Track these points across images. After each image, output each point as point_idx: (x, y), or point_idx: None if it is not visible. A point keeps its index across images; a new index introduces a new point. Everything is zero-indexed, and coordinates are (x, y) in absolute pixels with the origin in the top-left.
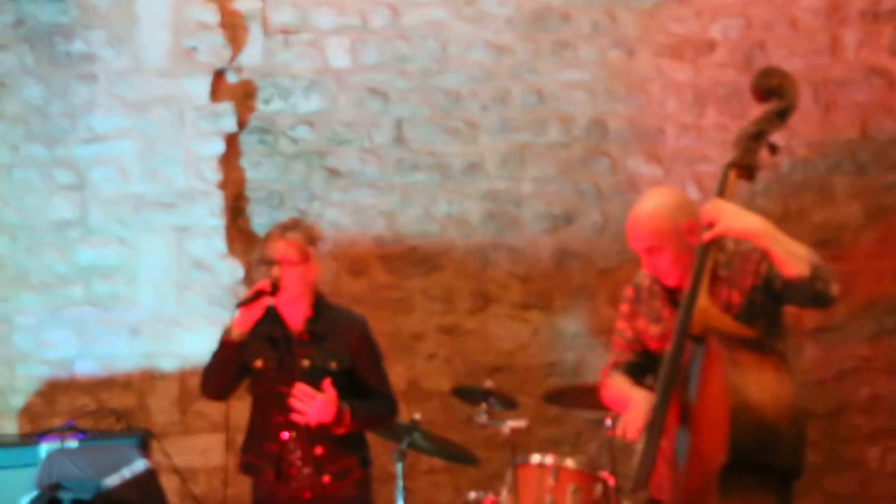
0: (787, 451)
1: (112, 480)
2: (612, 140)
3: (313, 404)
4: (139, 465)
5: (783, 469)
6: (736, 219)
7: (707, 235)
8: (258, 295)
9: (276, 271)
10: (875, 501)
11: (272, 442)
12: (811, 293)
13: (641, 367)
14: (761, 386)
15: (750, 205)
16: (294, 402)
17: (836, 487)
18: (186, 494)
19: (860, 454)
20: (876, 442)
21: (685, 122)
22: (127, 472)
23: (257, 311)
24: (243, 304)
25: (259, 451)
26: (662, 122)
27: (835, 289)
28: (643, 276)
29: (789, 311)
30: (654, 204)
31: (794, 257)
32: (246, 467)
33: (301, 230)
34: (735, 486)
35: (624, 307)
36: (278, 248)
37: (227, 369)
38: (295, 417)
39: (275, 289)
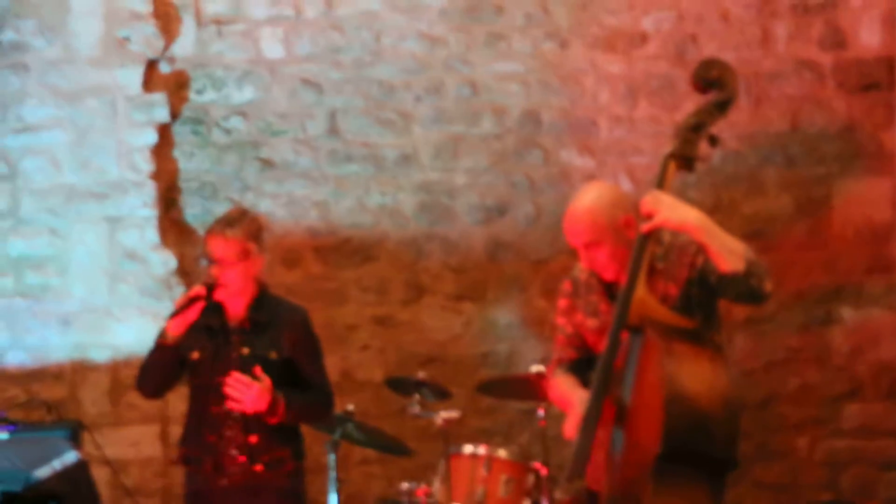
0: (721, 443)
1: (42, 472)
2: (546, 132)
3: (248, 392)
4: (70, 456)
5: (717, 460)
6: (674, 211)
7: (645, 227)
8: (193, 301)
9: (214, 270)
10: (804, 490)
11: (211, 433)
12: (745, 289)
13: (584, 362)
14: (696, 377)
15: (682, 196)
16: (229, 390)
17: (765, 476)
18: (118, 486)
19: (789, 444)
20: (805, 432)
21: (618, 115)
22: (58, 464)
23: (192, 314)
24: (178, 312)
25: (198, 442)
26: (595, 114)
27: (768, 286)
28: (580, 270)
29: (721, 302)
30: (591, 199)
31: (729, 252)
32: (185, 459)
33: (243, 225)
34: (669, 476)
35: (562, 302)
36: (217, 247)
37: (163, 370)
38: (230, 405)
39: (211, 289)
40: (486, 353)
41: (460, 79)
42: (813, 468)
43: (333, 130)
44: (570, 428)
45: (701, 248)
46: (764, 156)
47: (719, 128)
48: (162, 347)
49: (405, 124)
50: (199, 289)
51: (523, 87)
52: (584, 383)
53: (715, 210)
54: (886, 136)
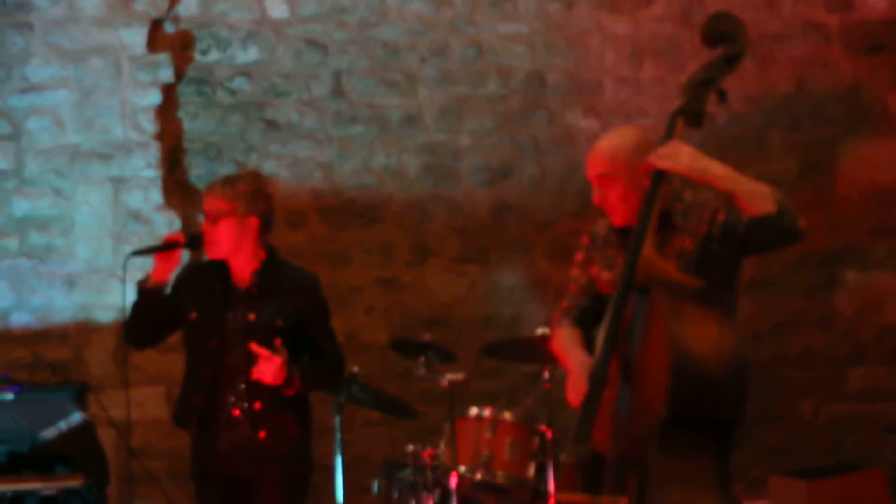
0: (728, 406)
1: (48, 433)
2: (551, 93)
3: (270, 366)
4: (76, 417)
5: (724, 423)
6: (697, 161)
7: (666, 164)
8: (168, 246)
9: (202, 224)
10: (808, 453)
11: (210, 397)
12: (780, 229)
13: (594, 312)
14: (703, 339)
15: None
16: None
17: (769, 440)
18: (123, 447)
19: (793, 407)
20: (809, 395)
21: (623, 76)
22: (63, 425)
23: (173, 261)
24: (144, 252)
25: (195, 406)
26: (601, 75)
27: (802, 222)
28: (600, 226)
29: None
30: (617, 136)
31: (759, 196)
32: (180, 420)
33: (238, 184)
34: (675, 438)
35: (579, 255)
36: (207, 202)
37: (145, 318)
38: (254, 375)
39: (193, 240)
40: (490, 315)
41: (465, 40)
42: (817, 431)
43: (338, 91)
44: (573, 394)
45: (722, 206)
46: (769, 118)
47: (726, 86)
48: (142, 292)
49: (410, 85)
50: (177, 234)
51: (528, 48)
52: (589, 338)
53: None
54: (892, 98)
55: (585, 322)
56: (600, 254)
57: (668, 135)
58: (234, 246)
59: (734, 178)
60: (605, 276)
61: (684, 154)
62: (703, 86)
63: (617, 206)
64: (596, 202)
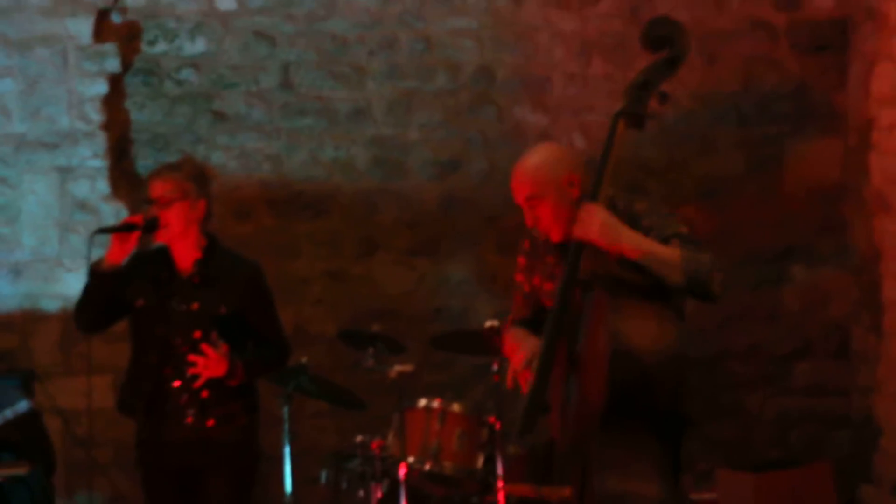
0: (665, 397)
1: None
2: (499, 88)
3: (209, 360)
4: (22, 405)
5: (662, 414)
6: (607, 232)
7: (578, 234)
8: (128, 227)
9: (153, 210)
10: (754, 447)
11: (152, 382)
12: (692, 296)
13: (540, 324)
14: (642, 332)
15: (635, 155)
16: (194, 359)
17: (716, 433)
18: (69, 436)
19: (740, 401)
20: (756, 389)
21: (572, 72)
22: (9, 413)
23: (129, 243)
24: (106, 231)
25: (138, 391)
26: (549, 70)
27: (715, 288)
28: (538, 230)
29: None
30: (536, 156)
31: (669, 268)
32: (124, 407)
33: (183, 167)
34: (614, 429)
35: (521, 259)
36: (156, 187)
37: (96, 300)
38: (192, 370)
39: (150, 226)
40: (439, 308)
41: (414, 34)
42: (763, 426)
43: (286, 83)
44: (515, 358)
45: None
46: (716, 115)
47: (669, 87)
48: (95, 274)
49: (359, 79)
50: (136, 217)
51: (477, 43)
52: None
53: (667, 169)
54: (838, 97)
55: (533, 328)
56: (540, 262)
57: (610, 137)
58: (184, 230)
59: (645, 250)
60: (548, 287)
61: (596, 224)
62: (644, 88)
63: (551, 223)
64: (529, 224)
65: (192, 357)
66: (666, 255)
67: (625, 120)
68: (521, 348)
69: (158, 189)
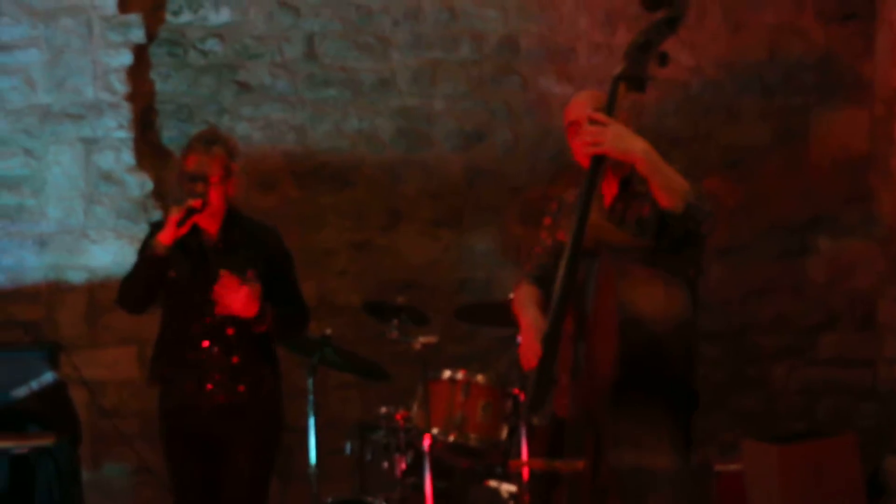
0: (675, 363)
1: (20, 392)
2: (524, 58)
3: (239, 295)
4: (47, 377)
5: (672, 381)
6: (620, 141)
7: (591, 150)
8: (190, 213)
9: (201, 187)
10: (780, 419)
11: (191, 351)
12: (681, 229)
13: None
14: (650, 299)
15: (659, 125)
16: (219, 291)
17: (741, 405)
18: (95, 407)
19: (765, 373)
20: (780, 361)
21: (597, 41)
22: (35, 384)
23: (186, 227)
24: (181, 224)
25: (175, 360)
26: (574, 40)
27: (705, 228)
28: (569, 193)
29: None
30: (588, 93)
31: (672, 190)
32: (159, 378)
33: (222, 144)
34: (626, 400)
35: (547, 220)
36: (203, 164)
37: (150, 283)
38: (219, 309)
39: (204, 205)
40: (463, 279)
41: (438, 3)
42: (788, 397)
43: (311, 54)
44: (525, 357)
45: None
46: (741, 85)
47: (695, 56)
48: (153, 259)
49: (383, 49)
50: (195, 202)
51: (501, 12)
52: (548, 295)
53: (692, 139)
54: (865, 66)
55: (548, 280)
56: (566, 220)
57: (611, 101)
58: (223, 205)
59: (653, 164)
60: None
61: (610, 133)
62: (643, 50)
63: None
64: (572, 144)
65: (218, 289)
66: (675, 177)
67: (625, 83)
68: (523, 330)
69: (205, 166)
